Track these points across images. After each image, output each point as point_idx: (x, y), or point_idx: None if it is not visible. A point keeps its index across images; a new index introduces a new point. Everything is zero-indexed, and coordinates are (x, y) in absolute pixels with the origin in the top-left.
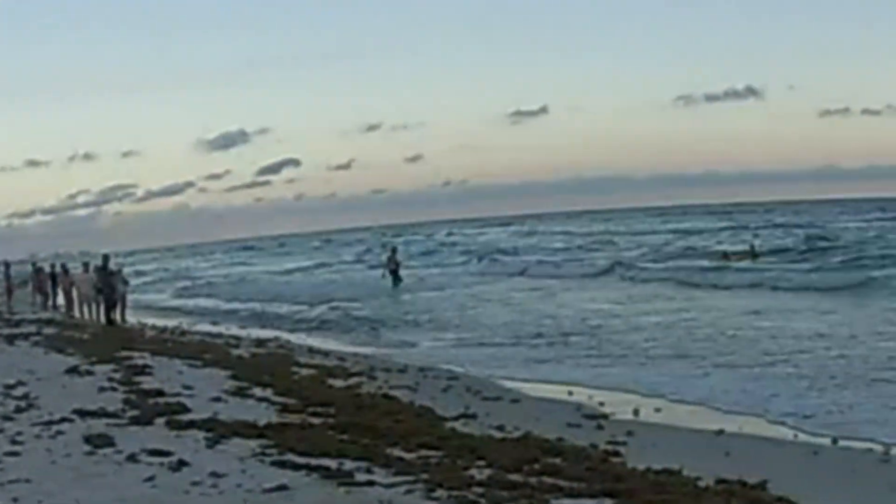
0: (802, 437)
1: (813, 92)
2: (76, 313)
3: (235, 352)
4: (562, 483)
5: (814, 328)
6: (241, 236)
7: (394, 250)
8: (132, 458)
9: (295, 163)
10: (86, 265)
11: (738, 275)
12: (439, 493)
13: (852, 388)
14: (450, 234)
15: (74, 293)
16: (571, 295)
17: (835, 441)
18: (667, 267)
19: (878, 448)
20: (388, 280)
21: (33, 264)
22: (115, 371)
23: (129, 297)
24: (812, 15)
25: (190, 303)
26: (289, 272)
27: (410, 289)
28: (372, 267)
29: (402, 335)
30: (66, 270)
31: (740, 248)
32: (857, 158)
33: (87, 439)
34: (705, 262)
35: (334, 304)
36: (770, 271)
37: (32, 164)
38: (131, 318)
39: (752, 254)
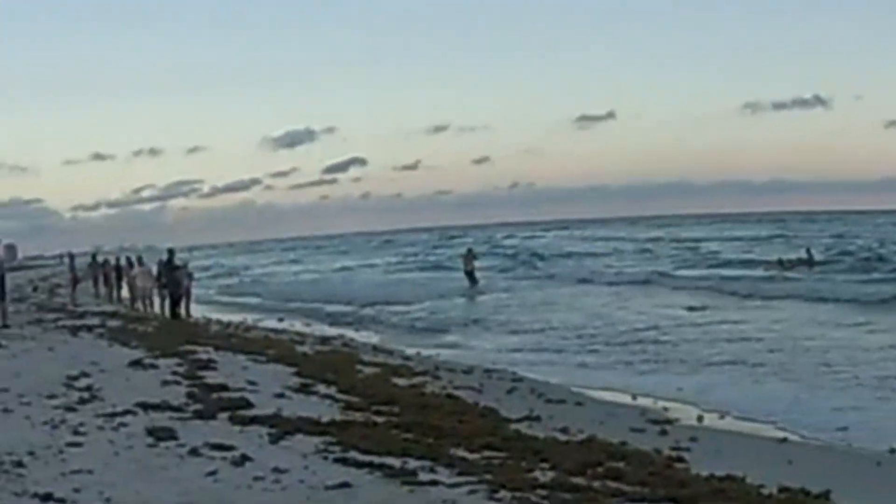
0: (864, 446)
1: (880, 102)
2: (139, 306)
3: (300, 348)
4: (625, 487)
5: (875, 340)
6: (307, 234)
7: (469, 251)
8: (194, 451)
9: (361, 162)
10: (139, 259)
11: (790, 285)
12: (502, 493)
13: None
14: (509, 236)
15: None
16: (631, 303)
17: (892, 451)
18: (723, 276)
19: None
20: (465, 280)
21: (93, 256)
22: (179, 365)
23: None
24: (881, 26)
25: (234, 301)
26: (347, 269)
27: (484, 290)
28: (423, 268)
29: (471, 337)
30: (130, 264)
31: (794, 256)
32: None
33: (150, 432)
34: (760, 271)
35: (404, 304)
36: (824, 281)
37: (98, 157)
38: (196, 313)
39: (809, 262)
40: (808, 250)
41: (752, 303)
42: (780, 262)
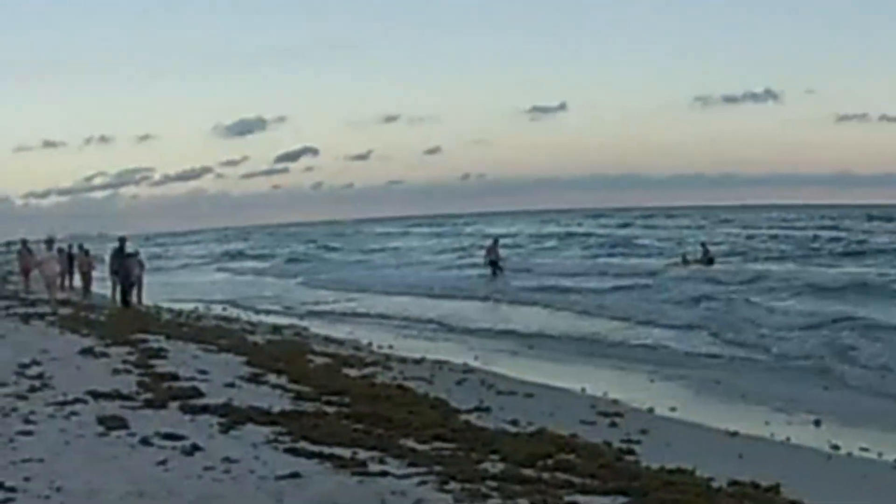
0: (815, 441)
1: (831, 97)
2: (47, 295)
3: (251, 338)
4: (575, 480)
5: None
6: (259, 223)
7: (495, 241)
8: (145, 441)
9: (313, 151)
10: (49, 242)
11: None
12: (452, 485)
13: None
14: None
15: (37, 272)
16: None
17: (837, 447)
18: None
19: (891, 457)
20: (488, 271)
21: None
22: (130, 353)
23: None
24: (833, 20)
25: None
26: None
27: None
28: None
29: None
30: (85, 251)
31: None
32: (873, 165)
33: (101, 421)
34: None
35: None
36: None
37: (49, 144)
38: (146, 301)
39: (707, 260)
40: (703, 246)
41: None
42: (685, 260)
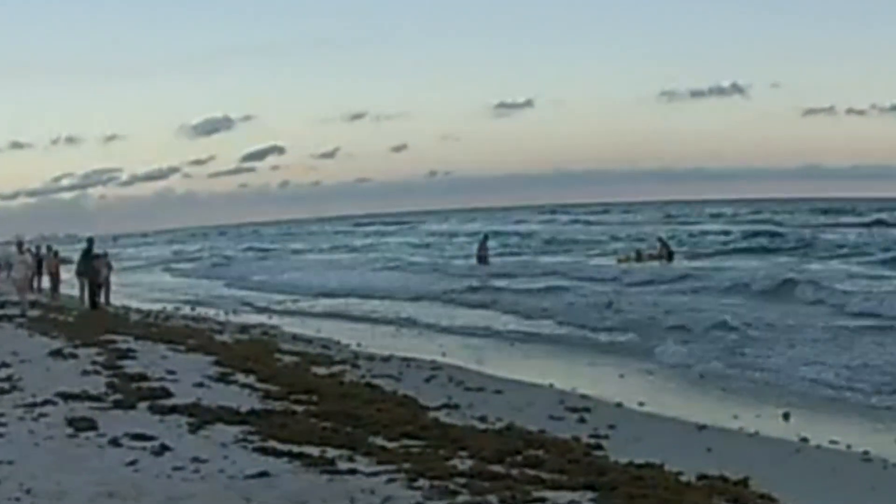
0: (784, 434)
1: (797, 91)
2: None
3: (219, 337)
4: (544, 475)
5: None
6: (226, 223)
7: (485, 238)
8: (115, 441)
9: (279, 150)
10: (19, 244)
11: None
12: (421, 482)
13: None
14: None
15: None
16: None
17: (806, 440)
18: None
19: (859, 448)
20: (477, 265)
21: None
22: (99, 354)
23: None
24: (798, 14)
25: None
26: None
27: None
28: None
29: None
30: (54, 253)
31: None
32: (840, 158)
33: (70, 422)
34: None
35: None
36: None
37: (16, 146)
38: (114, 302)
39: (668, 255)
40: (661, 241)
41: None
42: (639, 255)
